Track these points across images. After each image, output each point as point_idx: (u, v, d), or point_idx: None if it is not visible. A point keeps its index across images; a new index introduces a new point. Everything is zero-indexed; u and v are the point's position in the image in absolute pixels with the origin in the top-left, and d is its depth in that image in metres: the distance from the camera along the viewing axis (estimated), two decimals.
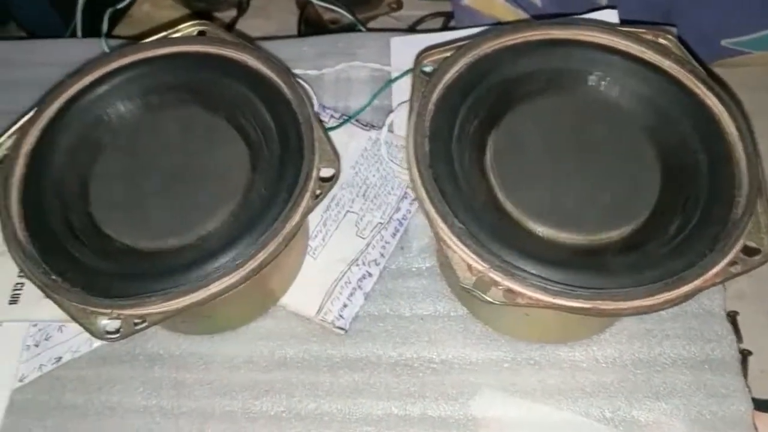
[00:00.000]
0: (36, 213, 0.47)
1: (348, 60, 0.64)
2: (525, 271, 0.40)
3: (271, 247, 0.44)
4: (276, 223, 0.44)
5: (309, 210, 0.46)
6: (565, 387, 0.51)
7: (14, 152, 0.49)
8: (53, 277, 0.44)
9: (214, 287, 0.43)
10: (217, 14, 0.85)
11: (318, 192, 0.46)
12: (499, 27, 0.49)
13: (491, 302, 0.40)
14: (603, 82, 0.47)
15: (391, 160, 0.59)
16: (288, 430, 0.51)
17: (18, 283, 0.57)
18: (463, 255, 0.41)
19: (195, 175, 0.49)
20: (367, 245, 0.56)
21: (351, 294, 0.55)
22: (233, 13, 0.84)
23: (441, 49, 0.49)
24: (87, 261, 0.45)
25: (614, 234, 0.44)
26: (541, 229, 0.44)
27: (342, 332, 0.53)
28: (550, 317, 0.48)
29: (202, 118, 0.50)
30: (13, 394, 0.53)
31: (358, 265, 0.56)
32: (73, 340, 0.55)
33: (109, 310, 0.43)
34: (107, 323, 0.43)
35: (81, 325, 0.43)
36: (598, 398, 0.50)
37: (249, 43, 0.52)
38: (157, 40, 0.53)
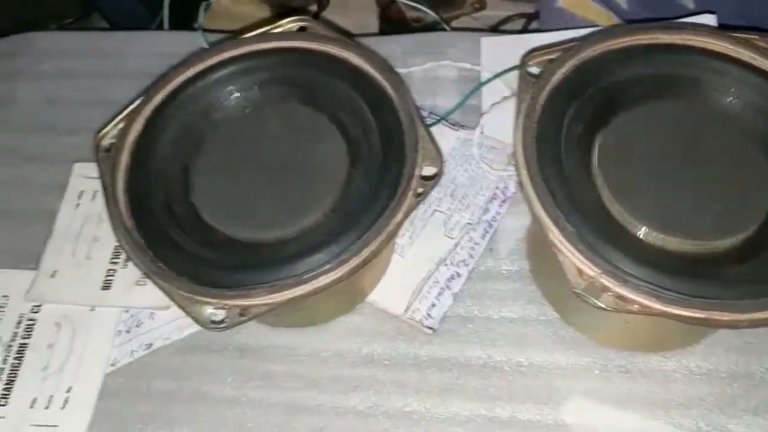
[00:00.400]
0: (141, 201, 0.48)
1: (436, 59, 0.64)
2: (637, 277, 0.40)
3: (374, 244, 0.44)
4: (380, 220, 0.44)
5: (411, 208, 0.46)
6: (657, 397, 0.50)
7: (120, 141, 0.50)
8: (159, 264, 0.45)
9: (320, 282, 0.43)
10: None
11: (420, 190, 0.46)
12: (604, 29, 0.49)
13: (602, 308, 0.40)
14: (714, 89, 0.46)
15: (482, 161, 0.58)
16: (375, 426, 0.51)
17: (110, 270, 0.58)
18: (574, 259, 0.40)
19: (295, 169, 0.49)
20: (456, 245, 0.56)
21: (439, 294, 0.55)
22: (312, 9, 0.85)
23: (547, 50, 0.48)
24: (190, 250, 0.46)
25: (726, 242, 0.43)
26: (649, 235, 0.43)
27: (430, 332, 0.53)
28: (649, 325, 0.47)
29: (303, 114, 0.51)
30: (105, 378, 0.54)
31: (446, 265, 0.55)
32: (164, 327, 0.56)
33: (216, 300, 0.43)
34: (212, 312, 0.44)
35: (187, 313, 0.44)
36: (692, 410, 0.49)
37: (350, 41, 0.53)
38: (259, 34, 0.53)
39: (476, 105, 0.62)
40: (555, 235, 0.41)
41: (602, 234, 0.41)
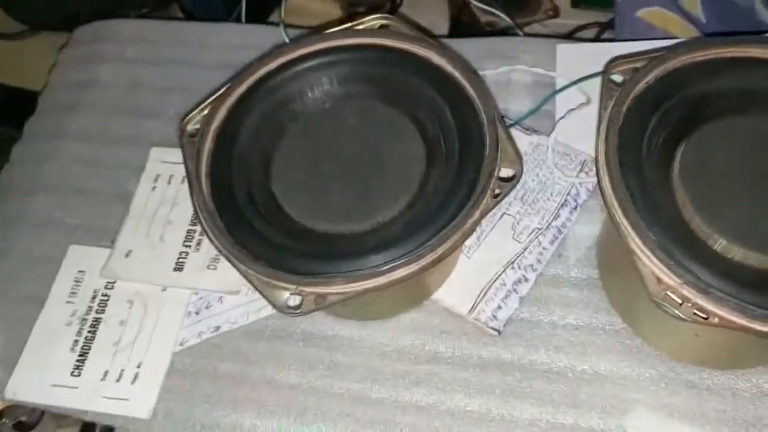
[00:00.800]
0: (223, 186, 0.49)
1: (510, 63, 0.65)
2: (719, 289, 0.39)
3: (450, 242, 0.45)
4: (457, 218, 0.45)
5: (488, 209, 0.46)
6: (726, 416, 0.49)
7: (205, 127, 0.51)
8: (239, 248, 0.47)
9: (394, 275, 0.44)
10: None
11: (497, 191, 0.47)
12: (690, 40, 0.49)
13: (682, 319, 0.39)
14: None
15: (555, 166, 0.59)
16: (437, 422, 0.51)
17: (183, 252, 0.60)
18: (654, 268, 0.40)
19: (372, 165, 0.50)
20: (524, 249, 0.56)
21: (506, 296, 0.55)
22: (384, 9, 0.85)
23: (632, 59, 0.48)
24: (269, 236, 0.47)
25: None
26: (729, 249, 0.43)
27: (495, 333, 0.54)
28: (721, 341, 0.47)
29: (382, 111, 0.51)
30: (174, 357, 0.56)
31: (513, 268, 0.56)
32: (232, 311, 0.57)
33: (293, 286, 0.44)
34: (289, 298, 0.45)
35: (265, 297, 0.45)
36: (762, 431, 0.49)
37: (431, 40, 0.53)
38: (342, 30, 0.54)
39: (550, 110, 0.62)
40: (636, 243, 0.41)
41: (682, 245, 0.41)
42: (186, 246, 0.60)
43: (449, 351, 0.54)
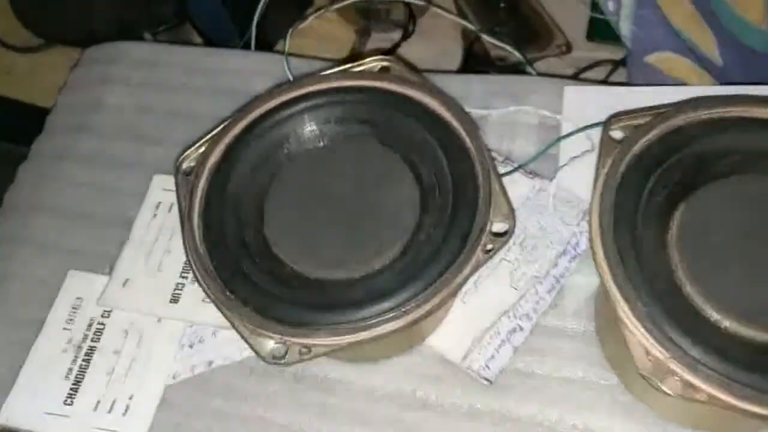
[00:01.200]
0: (215, 228, 0.49)
1: (517, 103, 0.64)
2: (707, 366, 0.39)
3: (439, 297, 0.44)
4: (447, 273, 0.45)
5: (480, 264, 0.46)
6: None
7: (200, 166, 0.51)
8: (228, 293, 0.46)
9: (381, 330, 0.44)
10: (381, 34, 0.87)
11: (489, 246, 0.46)
12: (693, 99, 0.47)
13: (668, 394, 0.39)
14: None
15: (555, 213, 0.58)
16: None
17: (179, 284, 0.60)
18: (642, 339, 0.40)
19: (366, 209, 0.50)
20: (520, 297, 0.56)
21: (500, 345, 0.54)
22: (396, 34, 0.85)
23: (633, 115, 0.48)
24: (258, 281, 0.47)
25: None
26: (725, 322, 0.42)
27: (487, 383, 0.53)
28: (709, 413, 0.46)
29: (378, 154, 0.51)
30: (166, 390, 0.56)
31: (509, 316, 0.55)
32: (225, 348, 0.57)
33: (278, 336, 0.44)
34: (274, 348, 0.45)
35: (249, 345, 0.45)
36: None
37: (432, 85, 0.53)
38: (340, 71, 0.54)
39: (554, 154, 0.61)
40: (624, 312, 0.40)
41: (673, 315, 0.40)
42: (183, 277, 0.60)
43: (440, 398, 0.53)
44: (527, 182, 0.60)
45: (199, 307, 0.59)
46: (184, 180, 0.51)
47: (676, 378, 0.39)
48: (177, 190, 0.51)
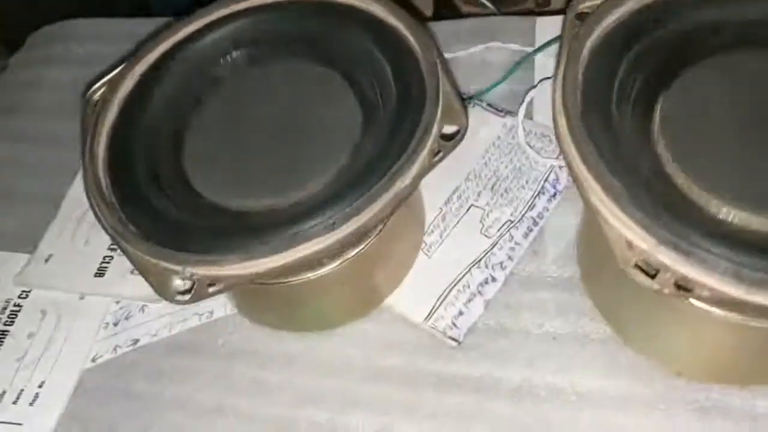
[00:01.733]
0: (122, 160, 0.42)
1: (484, 42, 0.56)
2: (707, 251, 0.29)
3: (375, 207, 0.36)
4: (383, 180, 0.36)
5: (425, 170, 0.37)
6: None
7: (109, 95, 0.45)
8: (130, 227, 0.39)
9: (303, 249, 0.35)
10: None
11: (438, 150, 0.38)
12: None
13: (659, 291, 0.29)
14: None
15: (530, 148, 0.50)
16: None
17: (107, 257, 0.53)
18: (621, 226, 0.31)
19: (301, 132, 0.42)
20: (493, 245, 0.47)
21: (469, 300, 0.45)
22: None
23: None
24: (169, 216, 0.39)
25: None
26: (725, 210, 0.33)
27: (455, 344, 0.44)
28: (734, 343, 0.36)
29: (315, 72, 0.44)
30: (83, 375, 0.48)
31: (479, 267, 0.46)
32: (153, 322, 0.49)
33: (180, 267, 0.36)
34: (180, 284, 0.37)
35: (150, 283, 0.37)
36: None
37: None
38: None
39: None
40: (597, 195, 0.31)
41: (659, 200, 0.31)
42: (112, 249, 0.53)
43: (400, 367, 0.44)
44: (498, 121, 0.52)
45: (128, 280, 0.51)
46: (92, 111, 0.44)
47: (668, 273, 0.30)
48: (81, 123, 0.44)
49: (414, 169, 0.36)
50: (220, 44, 0.45)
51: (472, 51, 0.56)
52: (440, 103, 0.38)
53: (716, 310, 0.34)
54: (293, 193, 0.40)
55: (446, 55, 0.56)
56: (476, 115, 0.52)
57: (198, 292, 0.36)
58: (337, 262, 0.41)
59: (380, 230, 0.42)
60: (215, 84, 0.45)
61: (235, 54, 0.46)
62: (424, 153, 0.37)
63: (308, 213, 0.36)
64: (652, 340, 0.40)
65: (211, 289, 0.36)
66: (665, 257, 0.29)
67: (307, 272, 0.41)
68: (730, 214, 0.32)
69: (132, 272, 0.51)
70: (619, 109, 0.35)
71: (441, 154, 0.37)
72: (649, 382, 0.41)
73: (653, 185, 0.32)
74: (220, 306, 0.49)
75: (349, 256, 0.41)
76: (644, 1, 0.38)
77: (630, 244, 0.30)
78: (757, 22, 0.37)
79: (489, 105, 0.53)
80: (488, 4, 0.65)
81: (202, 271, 0.36)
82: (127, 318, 0.50)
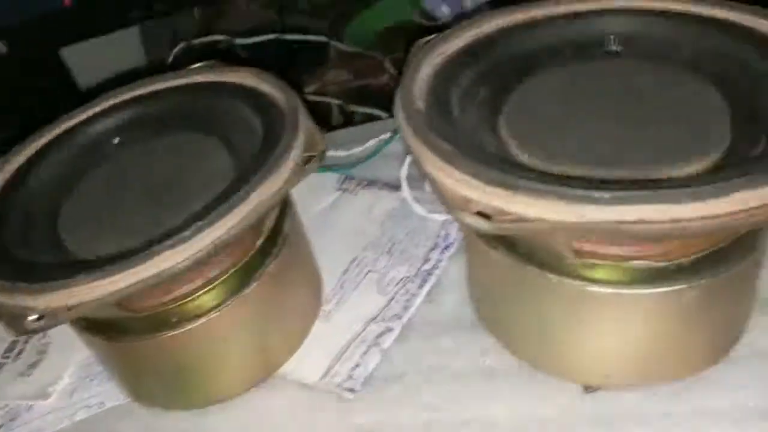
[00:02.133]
0: None
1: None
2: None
3: (236, 216, 0.36)
4: (241, 192, 0.37)
5: (289, 182, 0.39)
6: None
7: None
8: None
9: (160, 262, 0.35)
10: None
11: (303, 166, 0.40)
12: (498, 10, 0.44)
13: (502, 233, 0.30)
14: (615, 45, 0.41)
15: (421, 209, 0.51)
16: None
17: None
18: (449, 181, 0.31)
19: (172, 189, 0.43)
20: (389, 300, 0.46)
21: (365, 352, 0.43)
22: None
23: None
24: (25, 259, 0.39)
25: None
26: (542, 164, 0.34)
27: (350, 394, 0.41)
28: (620, 324, 0.35)
29: (193, 140, 0.46)
30: None
31: (376, 321, 0.45)
32: (38, 421, 0.46)
33: (34, 296, 0.35)
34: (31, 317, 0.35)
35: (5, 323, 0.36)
36: None
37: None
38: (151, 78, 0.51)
39: None
40: (427, 157, 0.32)
41: (491, 158, 0.33)
42: (5, 358, 0.51)
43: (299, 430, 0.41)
44: (393, 196, 0.54)
45: (17, 383, 0.48)
46: None
47: (507, 216, 0.30)
48: None
49: (273, 179, 0.37)
50: (106, 128, 0.48)
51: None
52: (299, 132, 0.40)
53: (598, 289, 0.34)
54: (158, 230, 0.39)
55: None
56: (370, 193, 0.54)
57: (49, 319, 0.35)
58: (215, 311, 0.40)
59: (260, 274, 0.41)
60: (99, 161, 0.47)
61: (119, 138, 0.48)
62: (284, 169, 0.38)
63: (168, 234, 0.36)
64: (541, 345, 0.39)
65: (60, 316, 0.35)
66: (496, 199, 0.30)
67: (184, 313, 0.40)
68: (547, 166, 0.34)
69: (22, 374, 0.49)
70: (462, 110, 0.37)
71: (306, 170, 0.39)
72: (556, 402, 0.38)
73: (495, 161, 0.33)
74: (111, 395, 0.46)
75: (227, 302, 0.40)
76: (482, 31, 0.42)
77: (466, 200, 0.30)
78: (585, 43, 0.41)
79: (385, 184, 0.55)
80: None
81: (55, 299, 0.35)
82: (12, 420, 0.46)
